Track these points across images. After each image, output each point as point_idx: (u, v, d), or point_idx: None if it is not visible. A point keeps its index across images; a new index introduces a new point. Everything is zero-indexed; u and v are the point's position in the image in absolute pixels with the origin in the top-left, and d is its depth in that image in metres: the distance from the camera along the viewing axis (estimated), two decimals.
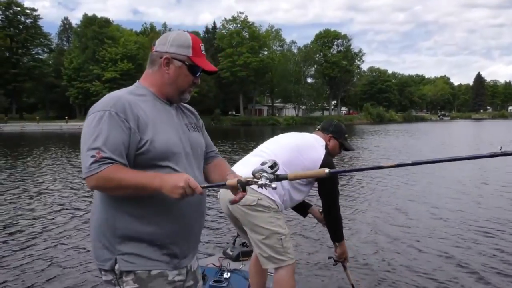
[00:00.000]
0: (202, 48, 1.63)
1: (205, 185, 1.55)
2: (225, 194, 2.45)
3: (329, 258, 3.05)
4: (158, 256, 1.52)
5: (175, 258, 1.57)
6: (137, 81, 1.66)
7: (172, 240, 1.55)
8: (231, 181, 1.52)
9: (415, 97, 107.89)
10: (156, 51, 1.60)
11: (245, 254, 3.61)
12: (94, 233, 1.56)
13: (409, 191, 8.71)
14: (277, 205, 2.46)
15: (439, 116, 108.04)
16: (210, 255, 4.23)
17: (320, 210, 2.90)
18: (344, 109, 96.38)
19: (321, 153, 2.59)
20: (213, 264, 3.51)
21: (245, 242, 3.79)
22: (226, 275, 3.27)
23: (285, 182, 2.38)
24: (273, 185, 1.48)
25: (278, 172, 1.51)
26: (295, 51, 75.40)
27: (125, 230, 1.50)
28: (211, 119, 60.73)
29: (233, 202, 1.56)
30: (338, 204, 2.64)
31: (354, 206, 7.24)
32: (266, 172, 1.49)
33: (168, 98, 1.63)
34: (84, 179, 1.41)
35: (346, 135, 2.86)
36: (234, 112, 72.42)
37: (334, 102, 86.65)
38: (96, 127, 1.42)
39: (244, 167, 2.41)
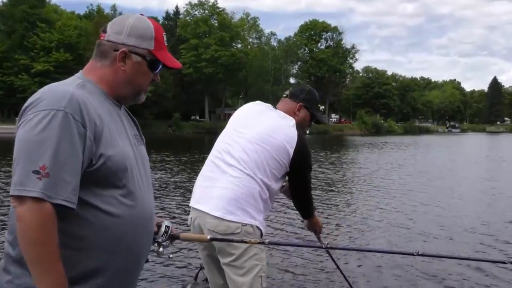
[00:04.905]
0: (165, 38, 1.57)
1: None
2: (200, 217, 2.50)
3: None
4: None
5: None
6: (80, 72, 1.54)
7: (118, 278, 1.44)
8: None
9: (419, 104, 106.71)
10: (108, 41, 1.48)
11: None
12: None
13: None
14: (261, 232, 2.49)
15: (447, 128, 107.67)
16: None
17: None
18: (334, 117, 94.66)
19: (292, 134, 2.58)
20: None
21: None
22: None
23: (265, 187, 2.48)
24: (165, 251, 1.83)
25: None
26: (275, 44, 73.98)
27: None
28: (168, 125, 59.64)
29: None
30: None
31: None
32: (159, 239, 1.81)
33: (119, 99, 1.55)
34: (14, 196, 1.25)
35: (319, 105, 2.96)
36: (198, 117, 71.35)
37: (322, 107, 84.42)
38: (42, 132, 1.27)
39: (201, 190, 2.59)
